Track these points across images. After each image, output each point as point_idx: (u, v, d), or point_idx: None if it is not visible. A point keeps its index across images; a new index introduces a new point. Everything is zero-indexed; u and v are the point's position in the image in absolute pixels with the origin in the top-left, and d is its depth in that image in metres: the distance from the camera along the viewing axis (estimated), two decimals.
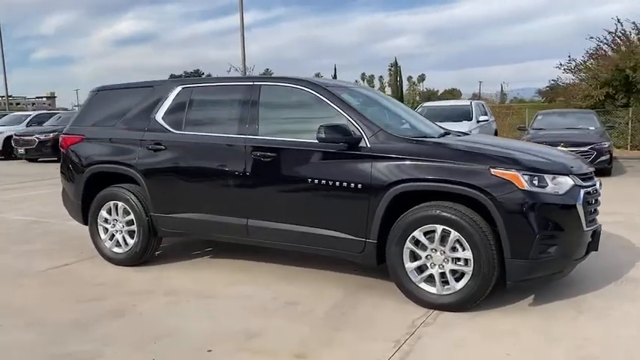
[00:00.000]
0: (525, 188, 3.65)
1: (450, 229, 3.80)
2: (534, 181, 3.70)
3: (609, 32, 20.71)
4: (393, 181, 3.94)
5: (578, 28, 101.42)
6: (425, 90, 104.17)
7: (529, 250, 3.65)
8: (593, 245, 4.03)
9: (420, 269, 3.99)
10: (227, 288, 4.54)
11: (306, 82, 4.55)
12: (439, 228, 3.84)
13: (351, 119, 4.22)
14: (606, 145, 11.80)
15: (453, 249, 3.84)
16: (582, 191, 3.85)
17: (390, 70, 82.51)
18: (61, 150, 5.69)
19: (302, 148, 4.37)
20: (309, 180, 4.26)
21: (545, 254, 3.69)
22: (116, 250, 5.26)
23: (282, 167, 4.42)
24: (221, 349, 3.34)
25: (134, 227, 5.12)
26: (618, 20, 20.44)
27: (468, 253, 3.76)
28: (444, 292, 3.88)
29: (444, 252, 3.86)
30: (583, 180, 3.96)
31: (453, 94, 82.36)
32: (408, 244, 3.95)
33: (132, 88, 5.50)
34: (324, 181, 4.20)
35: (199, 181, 4.81)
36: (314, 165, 4.29)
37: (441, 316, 3.79)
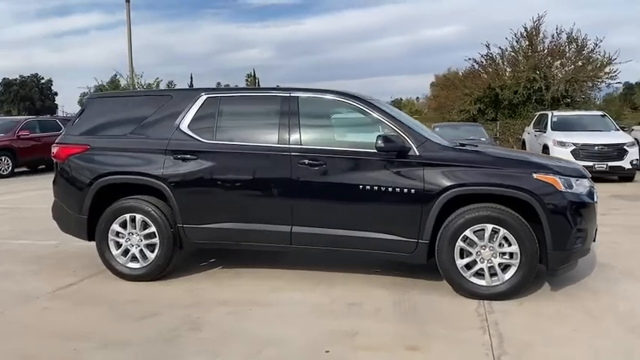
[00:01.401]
0: (562, 190, 4.30)
1: (499, 227, 4.31)
2: (566, 184, 4.36)
3: (481, 55, 23.39)
4: (447, 185, 4.36)
5: (414, 47, 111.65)
6: None
7: (566, 242, 4.29)
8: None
9: (467, 265, 4.44)
10: (274, 295, 4.58)
11: (349, 95, 4.80)
12: (489, 227, 4.33)
13: (398, 130, 4.57)
14: None
15: (500, 245, 4.35)
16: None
17: (247, 80, 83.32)
18: (56, 161, 5.24)
19: (353, 156, 4.61)
20: (361, 186, 4.51)
21: (576, 245, 4.36)
22: (132, 265, 4.99)
23: (332, 175, 4.61)
24: (335, 349, 3.46)
25: (155, 240, 4.91)
26: (487, 45, 23.19)
27: (514, 248, 4.30)
28: (493, 284, 4.38)
29: (493, 248, 4.36)
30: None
31: None
32: (460, 243, 4.39)
33: (141, 96, 5.30)
34: (376, 187, 4.49)
35: (238, 190, 4.79)
36: (366, 172, 4.55)
37: (494, 305, 4.26)
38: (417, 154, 4.48)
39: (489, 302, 4.32)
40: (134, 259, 4.99)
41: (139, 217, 4.93)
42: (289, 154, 4.65)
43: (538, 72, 21.44)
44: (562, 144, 13.55)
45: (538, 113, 17.43)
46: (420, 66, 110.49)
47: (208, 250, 5.71)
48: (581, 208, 4.38)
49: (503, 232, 4.31)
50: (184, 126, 4.93)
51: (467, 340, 3.61)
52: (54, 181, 5.34)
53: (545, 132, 14.93)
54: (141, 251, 4.96)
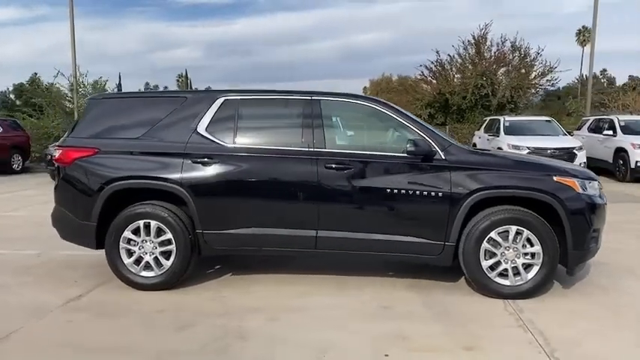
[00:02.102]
0: (580, 192, 4.52)
1: (523, 229, 4.47)
2: (582, 186, 4.59)
3: (431, 62, 24.12)
4: (474, 188, 4.48)
5: (346, 52, 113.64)
6: None
7: (584, 242, 4.52)
8: None
9: (491, 266, 4.57)
10: (301, 300, 4.54)
11: (374, 100, 4.85)
12: (514, 228, 4.49)
13: (423, 134, 4.65)
14: None
15: (523, 245, 4.51)
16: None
17: (178, 81, 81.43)
18: (60, 165, 4.93)
19: (380, 160, 4.64)
20: (388, 190, 4.55)
21: (592, 245, 4.60)
22: (146, 274, 4.78)
23: (359, 178, 4.62)
24: (393, 352, 3.48)
25: (171, 247, 4.73)
26: (437, 52, 23.95)
27: (537, 248, 4.48)
28: (517, 283, 4.53)
29: (517, 249, 4.51)
30: None
31: None
32: (485, 244, 4.52)
33: (151, 97, 5.10)
34: (403, 191, 4.54)
35: (261, 195, 4.69)
36: (393, 176, 4.59)
37: (520, 304, 4.41)
38: (443, 157, 4.58)
39: (513, 301, 4.47)
40: (147, 267, 4.78)
41: (154, 223, 4.72)
42: (315, 158, 4.62)
43: (485, 79, 22.38)
44: (516, 147, 14.16)
45: (488, 118, 18.16)
46: (353, 70, 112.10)
47: (213, 257, 5.55)
48: (595, 209, 4.62)
49: (526, 233, 4.47)
50: (202, 129, 4.79)
51: (513, 339, 3.72)
52: (56, 187, 5.03)
53: (498, 136, 15.58)
54: (155, 259, 4.77)
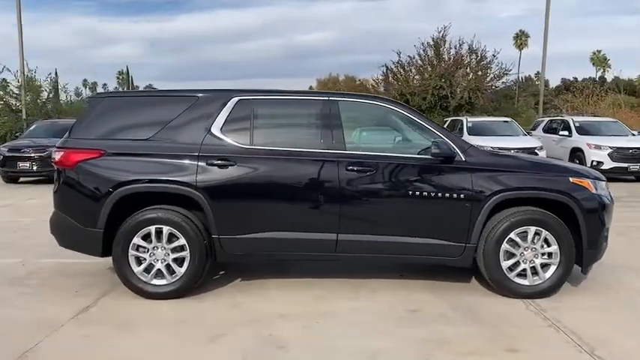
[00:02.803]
0: (594, 192, 4.64)
1: (542, 229, 4.54)
2: (595, 186, 4.71)
3: (393, 63, 24.37)
4: (496, 190, 4.51)
5: (290, 51, 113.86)
6: None
7: (597, 241, 4.64)
8: None
9: (509, 267, 4.61)
10: (325, 305, 4.44)
11: (391, 101, 4.81)
12: (532, 229, 4.55)
13: (442, 136, 4.64)
14: None
15: (541, 245, 4.59)
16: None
17: (118, 77, 78.96)
18: (61, 168, 4.61)
19: (401, 162, 4.60)
20: (410, 192, 4.52)
21: (604, 243, 4.73)
22: (157, 282, 4.54)
23: (381, 181, 4.56)
24: (442, 357, 3.45)
25: (185, 254, 4.52)
26: (398, 53, 24.21)
27: (554, 248, 4.56)
28: (535, 283, 4.60)
29: (535, 249, 4.58)
30: None
31: None
32: (505, 245, 4.56)
33: (159, 96, 4.86)
34: (425, 193, 4.52)
35: (281, 197, 4.56)
36: (415, 178, 4.56)
37: (540, 303, 4.47)
38: (463, 159, 4.58)
39: (532, 301, 4.53)
40: (159, 275, 4.55)
41: (166, 229, 4.49)
42: (336, 160, 4.53)
43: (444, 80, 22.84)
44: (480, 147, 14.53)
45: (449, 119, 18.55)
46: (298, 70, 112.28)
47: (217, 263, 5.35)
48: (606, 208, 4.75)
49: (544, 233, 4.54)
50: (217, 129, 4.60)
51: (549, 339, 3.77)
52: (55, 191, 4.70)
53: (462, 136, 15.95)
54: (167, 266, 4.54)
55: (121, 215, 4.53)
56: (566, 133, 16.26)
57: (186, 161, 4.51)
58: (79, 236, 4.61)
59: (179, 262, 4.54)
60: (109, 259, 4.60)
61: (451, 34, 23.94)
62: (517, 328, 3.95)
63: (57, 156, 4.64)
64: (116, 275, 4.59)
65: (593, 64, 76.90)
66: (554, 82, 57.02)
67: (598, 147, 15.02)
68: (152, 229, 4.50)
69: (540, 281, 4.60)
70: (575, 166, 5.17)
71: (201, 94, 4.77)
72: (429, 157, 4.55)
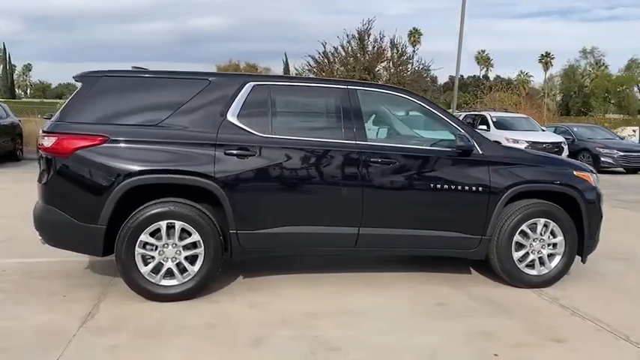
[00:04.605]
0: (593, 185, 4.90)
1: (550, 221, 4.72)
2: (594, 180, 4.98)
3: (319, 53, 24.28)
4: (512, 183, 4.61)
5: (179, 35, 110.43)
6: (38, 82, 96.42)
7: (596, 231, 4.91)
8: None
9: (519, 258, 4.75)
10: (348, 301, 4.30)
11: (410, 92, 4.73)
12: (542, 220, 4.71)
13: (460, 129, 4.65)
14: None
15: (549, 237, 4.77)
16: None
17: None
18: (52, 156, 4.03)
19: (423, 154, 4.55)
20: (432, 185, 4.50)
21: (599, 233, 5.02)
22: (166, 282, 4.14)
23: (404, 173, 4.48)
24: (495, 350, 3.45)
25: (198, 251, 4.16)
26: (323, 44, 24.17)
27: (559, 239, 4.76)
28: (542, 273, 4.78)
29: (542, 240, 4.75)
30: None
31: (69, 88, 77.40)
32: (517, 237, 4.68)
33: (167, 78, 4.41)
34: (446, 186, 4.52)
35: (303, 190, 4.33)
36: (436, 171, 4.54)
37: (549, 292, 4.66)
38: (480, 152, 4.63)
39: (541, 290, 4.71)
40: (169, 275, 4.15)
41: (179, 224, 4.10)
42: (358, 151, 4.38)
43: (368, 73, 23.20)
44: None
45: (464, 113, 19.75)
46: (195, 55, 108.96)
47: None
48: (601, 201, 5.05)
49: (552, 224, 4.73)
50: (233, 116, 4.26)
51: (582, 328, 3.90)
52: (45, 182, 4.11)
53: (489, 130, 16.65)
54: (178, 265, 4.15)
55: (123, 210, 4.07)
56: (484, 127, 17.28)
57: (202, 150, 4.14)
58: (74, 233, 4.07)
59: (190, 260, 4.17)
60: (79, 257, 4.15)
61: (334, 28, 24.41)
62: (546, 318, 4.06)
63: (47, 142, 4.04)
64: (97, 275, 4.13)
65: (478, 62, 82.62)
66: (442, 79, 60.42)
67: (516, 141, 16.07)
68: (163, 224, 4.08)
69: (547, 271, 4.79)
70: (574, 160, 5.44)
71: (212, 78, 4.39)
72: (450, 149, 4.54)
